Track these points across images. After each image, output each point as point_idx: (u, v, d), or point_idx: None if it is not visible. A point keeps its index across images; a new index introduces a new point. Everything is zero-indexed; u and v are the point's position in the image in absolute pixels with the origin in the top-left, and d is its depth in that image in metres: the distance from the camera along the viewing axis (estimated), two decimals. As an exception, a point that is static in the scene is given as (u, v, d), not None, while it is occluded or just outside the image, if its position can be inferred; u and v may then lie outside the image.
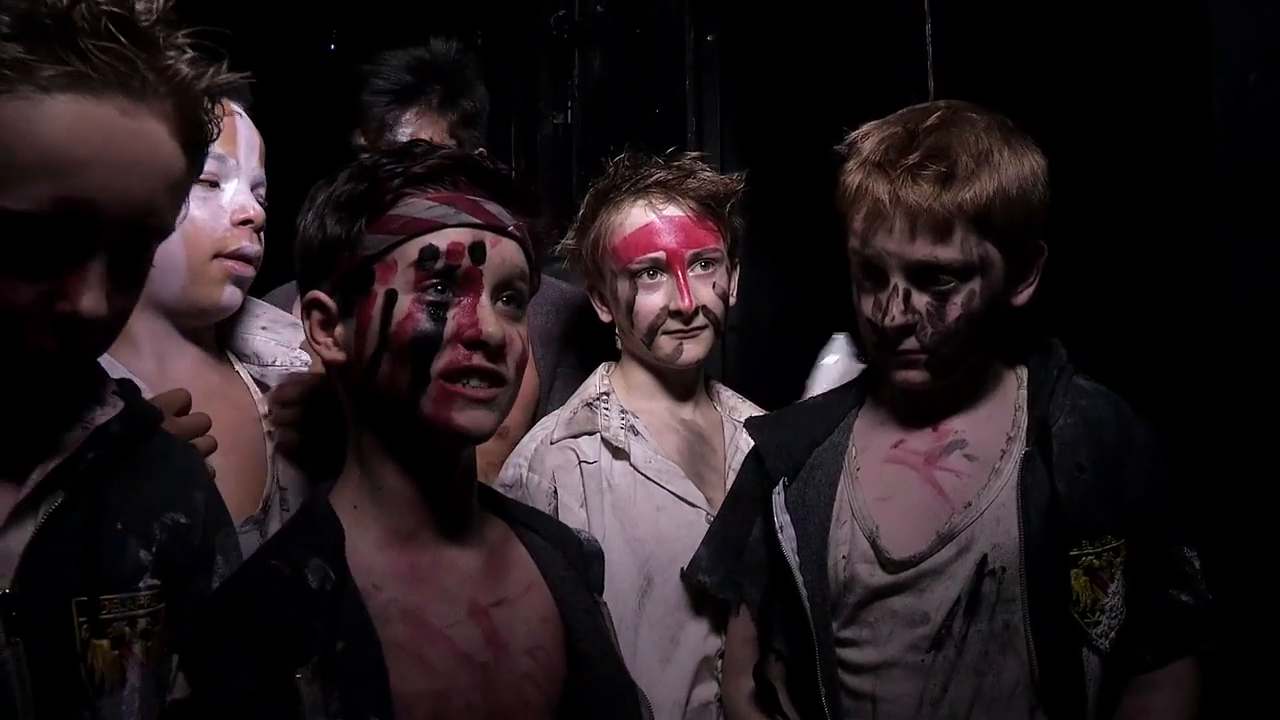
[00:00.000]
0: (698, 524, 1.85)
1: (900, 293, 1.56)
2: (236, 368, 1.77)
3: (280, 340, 1.78)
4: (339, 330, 1.28)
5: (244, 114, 1.72)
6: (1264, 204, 1.69)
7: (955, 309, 1.55)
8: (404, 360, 1.23)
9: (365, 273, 1.25)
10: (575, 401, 1.96)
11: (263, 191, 1.70)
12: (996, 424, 1.62)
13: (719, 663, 1.82)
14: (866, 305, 1.61)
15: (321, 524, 1.25)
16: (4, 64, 1.01)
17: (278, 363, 1.76)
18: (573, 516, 1.82)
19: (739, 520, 1.77)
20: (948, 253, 1.53)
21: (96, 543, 1.14)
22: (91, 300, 1.05)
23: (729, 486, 1.88)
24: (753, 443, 1.87)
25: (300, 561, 1.19)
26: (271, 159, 1.73)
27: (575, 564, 1.42)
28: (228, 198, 1.66)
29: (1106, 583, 1.53)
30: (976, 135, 1.56)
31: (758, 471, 1.75)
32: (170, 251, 1.63)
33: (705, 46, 2.70)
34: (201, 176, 1.63)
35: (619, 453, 1.87)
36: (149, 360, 1.68)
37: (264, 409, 1.72)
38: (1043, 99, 1.86)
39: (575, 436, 1.89)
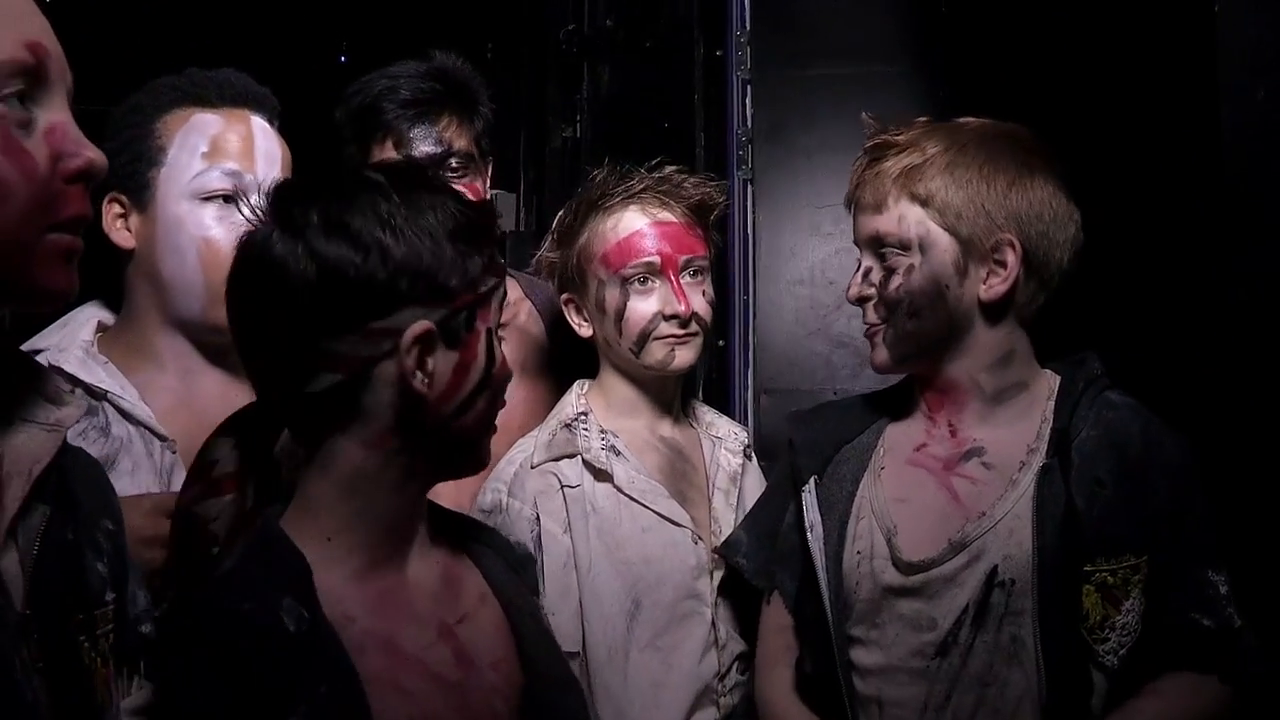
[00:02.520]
0: (684, 544, 1.82)
1: (863, 269, 1.68)
2: None
3: None
4: (430, 362, 1.22)
5: (268, 125, 1.70)
6: (1272, 215, 1.70)
7: (896, 279, 1.63)
8: (494, 397, 1.28)
9: (473, 311, 1.25)
10: (553, 423, 1.91)
11: None
12: (1019, 435, 1.63)
13: (719, 685, 1.80)
14: None
15: (284, 559, 1.19)
16: None
17: None
18: (556, 543, 1.79)
19: (775, 509, 1.79)
20: (885, 224, 1.63)
21: (78, 558, 1.10)
22: (93, 149, 1.03)
23: (716, 505, 1.88)
24: (734, 460, 1.92)
25: (273, 604, 1.15)
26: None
27: (515, 567, 1.42)
28: (247, 213, 1.64)
29: (1120, 600, 1.52)
30: (952, 134, 1.63)
31: (791, 463, 1.77)
32: (188, 271, 1.63)
33: (714, 61, 2.70)
34: (217, 193, 1.63)
35: (601, 474, 1.84)
36: (174, 377, 1.67)
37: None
38: (1053, 113, 1.86)
39: (556, 460, 1.85)
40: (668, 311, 1.83)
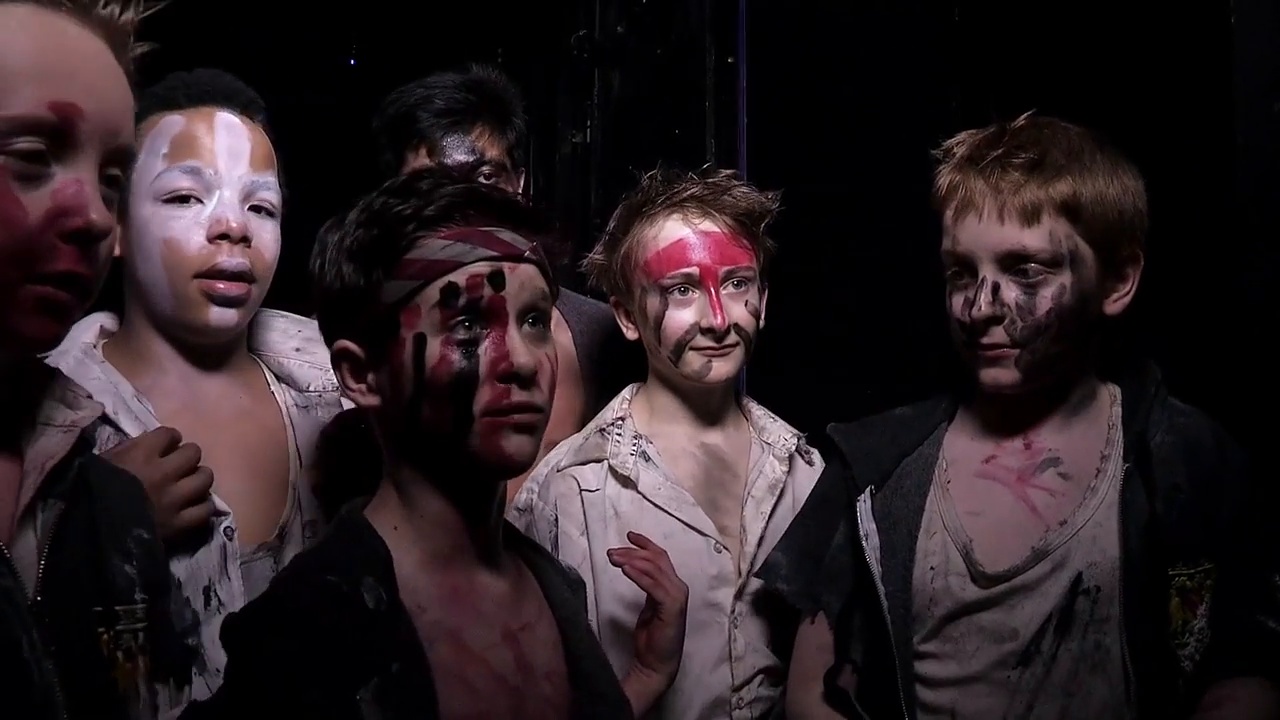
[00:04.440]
0: (705, 553, 1.81)
1: (989, 285, 1.56)
2: (273, 388, 1.73)
3: (315, 363, 1.74)
4: (371, 376, 1.28)
5: (236, 119, 1.64)
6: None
7: (1045, 302, 1.55)
8: (444, 402, 1.24)
9: (391, 320, 1.25)
10: (591, 426, 1.93)
11: (268, 196, 1.64)
12: (1090, 442, 1.61)
13: (733, 698, 1.79)
14: (956, 304, 1.60)
15: (367, 542, 1.24)
16: None
17: (312, 388, 1.73)
18: (573, 545, 1.80)
19: (819, 526, 1.74)
20: (1036, 240, 1.54)
21: (97, 553, 1.13)
22: (98, 212, 1.05)
23: (746, 513, 1.86)
24: (779, 468, 1.88)
25: (356, 580, 1.19)
26: (290, 171, 1.70)
27: (572, 588, 1.44)
28: (207, 212, 1.59)
29: (1196, 604, 1.51)
30: (1069, 137, 1.58)
31: (842, 478, 1.72)
32: (154, 273, 1.60)
33: (725, 68, 2.70)
34: (176, 194, 1.59)
35: (626, 481, 1.84)
36: (175, 380, 1.65)
37: (293, 435, 1.70)
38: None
39: (582, 464, 1.86)
40: (704, 324, 1.82)
